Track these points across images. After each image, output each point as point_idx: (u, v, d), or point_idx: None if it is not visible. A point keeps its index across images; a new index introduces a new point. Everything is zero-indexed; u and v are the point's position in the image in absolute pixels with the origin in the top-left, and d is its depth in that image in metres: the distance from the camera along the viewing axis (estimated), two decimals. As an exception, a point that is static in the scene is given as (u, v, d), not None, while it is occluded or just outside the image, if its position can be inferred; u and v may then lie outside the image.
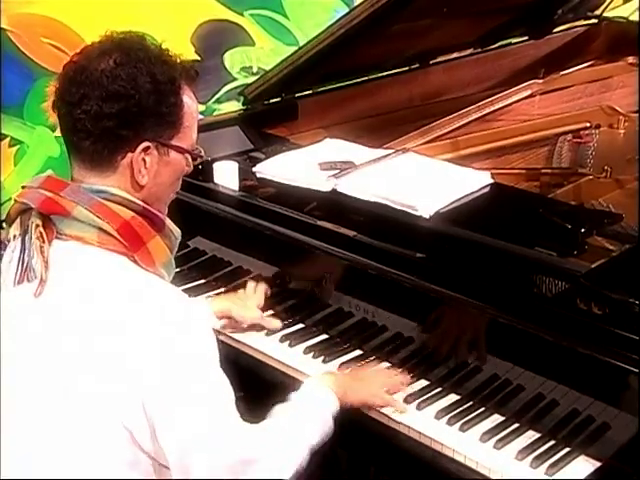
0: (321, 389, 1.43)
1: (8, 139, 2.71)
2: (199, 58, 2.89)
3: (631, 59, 2.59)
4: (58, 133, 2.72)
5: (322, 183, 1.72)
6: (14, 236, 1.26)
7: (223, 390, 1.23)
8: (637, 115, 2.25)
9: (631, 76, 2.48)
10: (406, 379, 1.53)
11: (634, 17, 2.93)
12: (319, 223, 1.71)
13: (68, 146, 1.28)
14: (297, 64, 2.04)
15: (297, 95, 2.19)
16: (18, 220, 1.26)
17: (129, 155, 1.24)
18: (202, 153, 1.35)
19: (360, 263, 1.62)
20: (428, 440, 1.43)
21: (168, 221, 1.31)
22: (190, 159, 1.33)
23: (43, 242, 1.22)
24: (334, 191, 1.70)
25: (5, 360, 1.26)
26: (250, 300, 1.71)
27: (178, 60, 1.29)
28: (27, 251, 1.22)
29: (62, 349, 1.20)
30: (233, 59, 3.00)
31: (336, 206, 1.71)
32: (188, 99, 1.29)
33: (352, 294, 1.67)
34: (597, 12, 2.73)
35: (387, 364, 1.59)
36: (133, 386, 1.17)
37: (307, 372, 1.59)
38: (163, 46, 1.29)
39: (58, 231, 1.23)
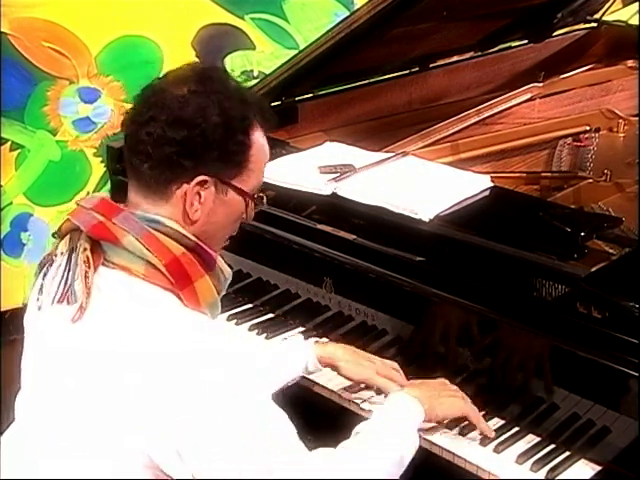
0: (406, 401, 1.36)
1: (9, 143, 2.71)
2: (200, 62, 2.89)
3: (631, 62, 2.59)
4: (59, 137, 2.77)
5: (322, 186, 1.72)
6: (61, 252, 1.22)
7: (275, 425, 1.16)
8: (637, 119, 2.25)
9: (631, 79, 2.48)
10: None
11: (633, 21, 2.94)
12: (319, 226, 1.72)
13: (127, 166, 1.23)
14: (297, 68, 2.04)
15: (297, 98, 2.19)
16: (67, 237, 1.22)
17: (184, 186, 1.19)
18: (264, 200, 1.30)
19: (360, 266, 1.62)
20: (428, 444, 1.43)
21: (220, 260, 1.25)
22: (251, 205, 1.26)
23: (89, 267, 1.17)
24: (334, 194, 1.70)
25: (34, 380, 1.24)
26: (368, 361, 1.52)
27: (255, 99, 1.25)
28: (71, 273, 1.18)
29: (94, 380, 1.15)
30: (234, 63, 3.00)
31: (336, 209, 1.71)
32: (259, 141, 1.24)
33: (352, 297, 1.67)
34: (597, 16, 2.73)
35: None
36: (166, 422, 1.12)
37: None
38: (241, 84, 1.26)
39: (106, 258, 1.19)
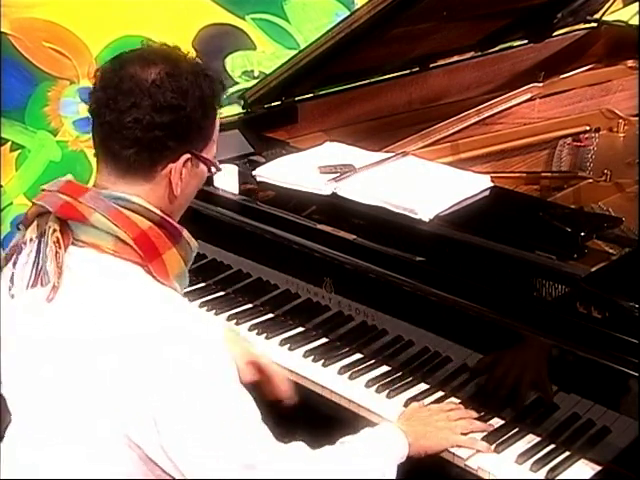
0: (393, 432, 1.37)
1: (9, 144, 2.71)
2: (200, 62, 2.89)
3: (631, 62, 2.59)
4: (59, 137, 2.77)
5: (322, 186, 1.72)
6: (30, 239, 1.24)
7: (242, 408, 1.18)
8: (637, 119, 2.25)
9: (631, 79, 2.48)
10: (484, 425, 1.45)
11: (634, 21, 2.94)
12: (319, 226, 1.72)
13: (103, 151, 1.25)
14: (297, 68, 2.05)
15: (297, 99, 2.19)
16: (35, 223, 1.24)
17: (170, 166, 1.23)
18: (220, 166, 1.34)
19: (360, 266, 1.62)
20: (428, 444, 1.43)
21: (185, 233, 1.28)
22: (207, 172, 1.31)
23: (59, 247, 1.19)
24: (334, 194, 1.70)
25: (12, 363, 1.26)
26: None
27: (210, 70, 1.28)
28: (42, 255, 1.20)
29: (70, 358, 1.18)
30: (234, 63, 3.00)
31: (336, 209, 1.71)
32: (217, 112, 1.29)
33: (352, 297, 1.67)
34: (597, 16, 2.73)
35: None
36: (143, 402, 1.14)
37: (307, 375, 1.60)
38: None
39: (74, 237, 1.21)
